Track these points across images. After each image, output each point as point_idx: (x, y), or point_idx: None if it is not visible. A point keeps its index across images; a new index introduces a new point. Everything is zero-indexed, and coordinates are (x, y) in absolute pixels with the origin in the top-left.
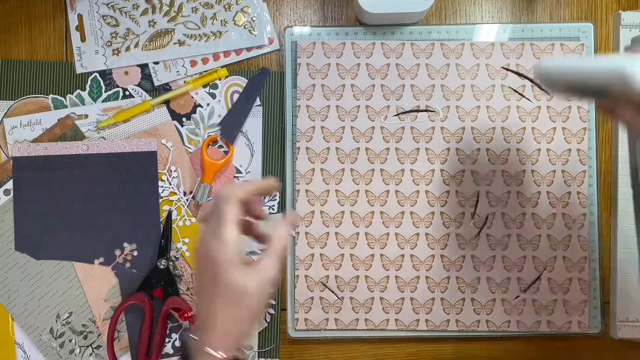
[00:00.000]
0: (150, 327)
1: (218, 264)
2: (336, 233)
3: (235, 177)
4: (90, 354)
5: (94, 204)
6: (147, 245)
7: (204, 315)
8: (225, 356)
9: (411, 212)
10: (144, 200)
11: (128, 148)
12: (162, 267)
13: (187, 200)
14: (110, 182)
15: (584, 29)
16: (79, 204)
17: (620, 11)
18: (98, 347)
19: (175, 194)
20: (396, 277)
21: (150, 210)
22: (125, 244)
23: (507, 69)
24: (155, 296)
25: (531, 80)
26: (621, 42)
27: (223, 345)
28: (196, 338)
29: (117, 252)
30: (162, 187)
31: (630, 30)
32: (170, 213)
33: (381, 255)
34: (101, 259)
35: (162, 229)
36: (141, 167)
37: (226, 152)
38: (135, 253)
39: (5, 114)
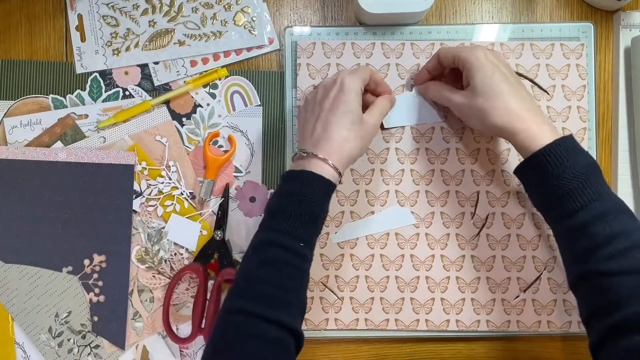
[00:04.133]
0: (204, 299)
1: (348, 91)
2: (336, 233)
3: (235, 176)
4: (89, 354)
5: (67, 212)
6: (116, 257)
7: (320, 131)
8: (337, 167)
9: (411, 212)
10: (117, 213)
11: (106, 159)
12: (218, 238)
13: (189, 194)
14: (85, 192)
15: (584, 29)
16: (52, 211)
17: (620, 11)
18: (97, 346)
19: (177, 188)
20: (396, 277)
21: (122, 223)
22: (95, 255)
23: None
24: (209, 270)
25: (531, 80)
26: (621, 42)
27: (333, 157)
28: (308, 152)
29: (86, 262)
30: (162, 182)
31: (630, 30)
32: (227, 185)
33: (381, 255)
34: (69, 268)
35: (220, 200)
36: (117, 180)
37: (226, 152)
38: (104, 265)
39: (5, 114)
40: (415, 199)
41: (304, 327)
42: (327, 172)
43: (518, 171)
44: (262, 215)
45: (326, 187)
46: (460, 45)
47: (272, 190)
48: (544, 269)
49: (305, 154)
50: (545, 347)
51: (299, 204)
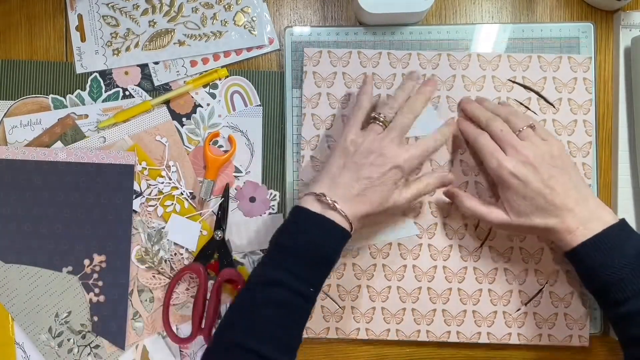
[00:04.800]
0: (204, 299)
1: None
2: None
3: (235, 176)
4: (89, 354)
5: (67, 212)
6: (116, 257)
7: (346, 181)
8: (352, 223)
9: (414, 223)
10: (117, 213)
11: (106, 159)
12: (218, 238)
13: (189, 194)
14: (85, 192)
15: (584, 29)
16: (52, 211)
17: (620, 11)
18: (97, 346)
19: (177, 188)
20: (398, 287)
21: (122, 222)
22: (95, 255)
23: (514, 82)
24: (210, 270)
25: (537, 93)
26: (621, 42)
27: (349, 212)
28: (329, 200)
29: (86, 262)
30: (162, 182)
31: (630, 30)
32: (227, 185)
33: (383, 265)
34: (69, 268)
35: (220, 200)
36: (117, 180)
37: (226, 152)
38: (104, 265)
39: (5, 114)
40: (418, 210)
41: (305, 335)
42: (345, 224)
43: (566, 256)
44: (270, 242)
45: (344, 238)
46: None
47: (272, 191)
48: (546, 283)
49: (324, 199)
50: (545, 348)
51: (316, 250)
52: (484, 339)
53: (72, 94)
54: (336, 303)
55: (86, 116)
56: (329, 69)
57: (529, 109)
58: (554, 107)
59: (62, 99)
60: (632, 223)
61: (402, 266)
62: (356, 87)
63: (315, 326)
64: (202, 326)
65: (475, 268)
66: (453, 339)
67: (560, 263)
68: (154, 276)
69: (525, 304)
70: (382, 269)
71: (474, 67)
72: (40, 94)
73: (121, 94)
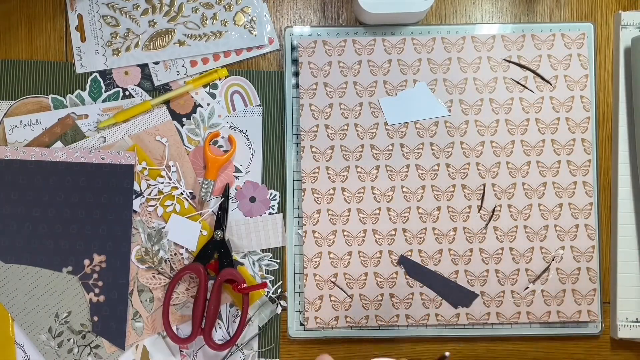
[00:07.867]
0: (204, 299)
1: None
2: (343, 230)
3: (235, 176)
4: (89, 354)
5: (67, 212)
6: (116, 257)
7: None
8: None
9: (418, 207)
10: (117, 213)
11: (106, 159)
12: (218, 238)
13: (189, 194)
14: (85, 192)
15: (584, 29)
16: (53, 210)
17: (620, 11)
18: (97, 346)
19: (177, 188)
20: (405, 272)
21: (122, 223)
22: (95, 255)
23: (509, 61)
24: (210, 270)
25: (533, 72)
26: (621, 42)
27: None
28: None
29: (86, 262)
30: (162, 182)
31: (630, 30)
32: (227, 185)
33: (389, 251)
34: (69, 268)
35: (220, 200)
36: (117, 180)
37: (226, 152)
38: (103, 265)
39: (5, 114)
40: (421, 194)
41: (314, 325)
42: None
43: None
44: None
45: None
46: None
47: (272, 191)
48: (553, 260)
49: None
50: (545, 348)
51: None
52: (493, 319)
53: (72, 94)
54: (344, 292)
55: (86, 116)
56: (324, 59)
57: (526, 88)
58: (550, 84)
59: (62, 99)
60: (632, 223)
61: (408, 251)
62: (352, 75)
63: (325, 316)
64: (202, 326)
65: (481, 249)
66: (462, 320)
67: (565, 239)
68: (154, 276)
69: (533, 282)
70: (388, 254)
71: (468, 48)
72: (40, 94)
73: (121, 94)
